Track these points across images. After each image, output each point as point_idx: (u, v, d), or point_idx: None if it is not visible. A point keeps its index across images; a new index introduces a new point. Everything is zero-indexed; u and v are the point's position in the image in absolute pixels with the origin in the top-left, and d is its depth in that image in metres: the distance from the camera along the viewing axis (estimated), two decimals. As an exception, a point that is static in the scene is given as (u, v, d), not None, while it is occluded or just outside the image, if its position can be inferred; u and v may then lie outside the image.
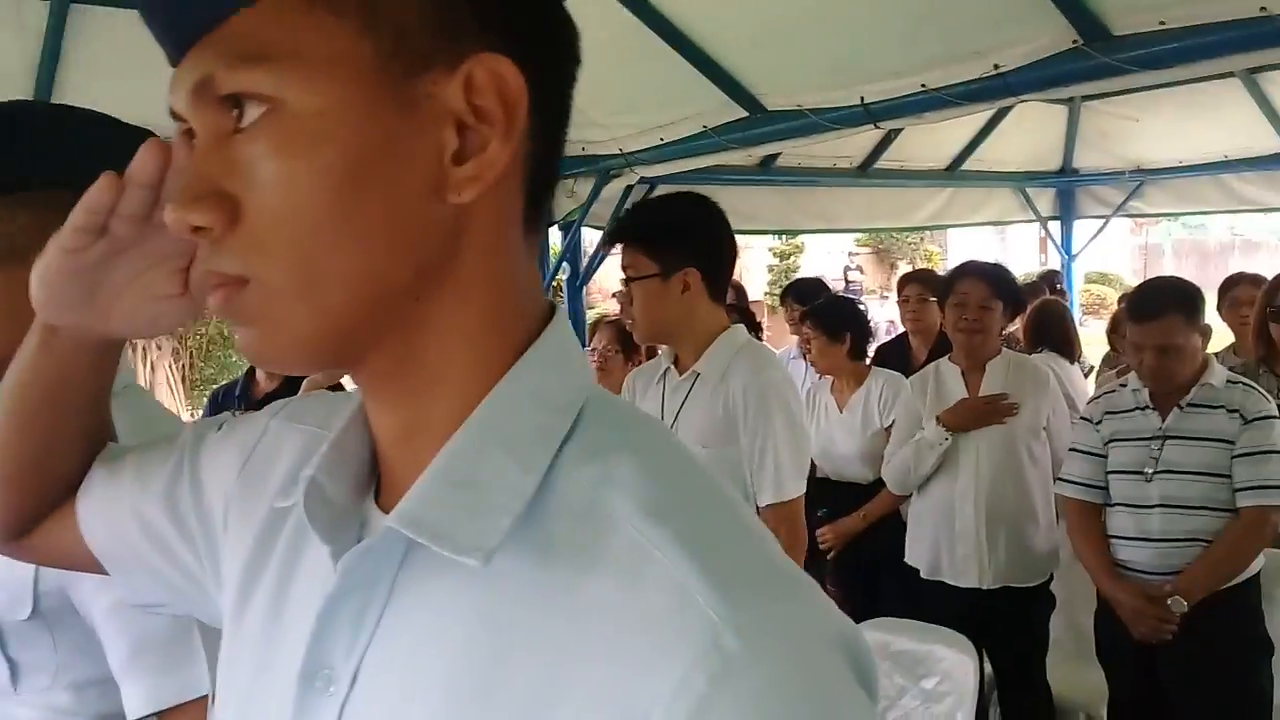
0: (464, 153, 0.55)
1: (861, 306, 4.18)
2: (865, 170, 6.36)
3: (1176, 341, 2.66)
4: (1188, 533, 2.65)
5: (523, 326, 0.59)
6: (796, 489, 2.16)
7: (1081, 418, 2.95)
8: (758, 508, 2.16)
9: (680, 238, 2.18)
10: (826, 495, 3.70)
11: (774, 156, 5.85)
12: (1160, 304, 2.71)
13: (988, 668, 3.24)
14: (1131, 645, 2.71)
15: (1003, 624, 3.12)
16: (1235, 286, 4.17)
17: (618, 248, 2.29)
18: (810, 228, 7.30)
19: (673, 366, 2.31)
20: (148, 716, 1.06)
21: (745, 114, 3.97)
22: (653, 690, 0.48)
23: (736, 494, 0.59)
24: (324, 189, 0.53)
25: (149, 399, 1.27)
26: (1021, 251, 21.69)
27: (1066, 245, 7.67)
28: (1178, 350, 2.67)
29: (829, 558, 3.63)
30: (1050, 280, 7.01)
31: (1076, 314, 8.38)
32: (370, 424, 0.63)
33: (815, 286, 5.21)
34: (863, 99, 3.49)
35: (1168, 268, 23.00)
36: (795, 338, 4.81)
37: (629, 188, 4.95)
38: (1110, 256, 22.59)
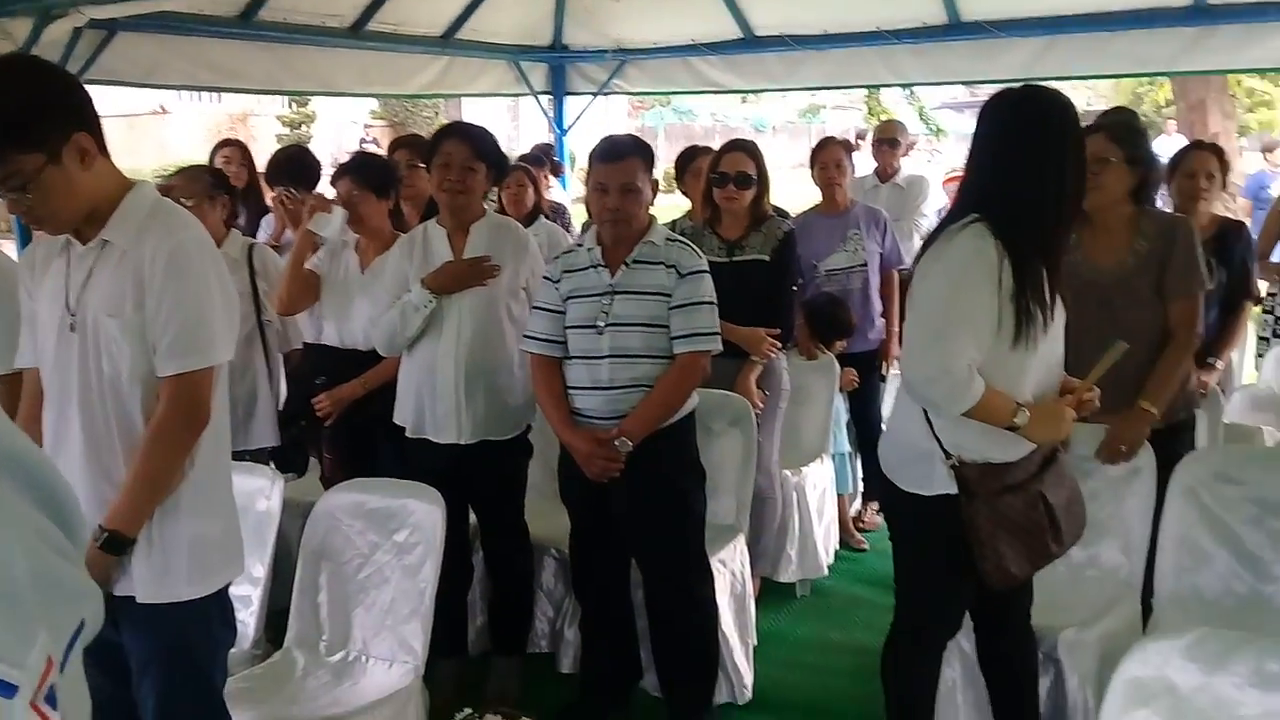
0: None
1: None
2: (358, 32, 6.14)
3: (637, 183, 2.92)
4: (632, 380, 2.91)
5: None
6: (202, 360, 2.04)
7: (544, 277, 3.10)
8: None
9: (43, 109, 1.88)
10: (326, 362, 3.62)
11: (256, 8, 5.44)
12: (625, 148, 2.97)
13: (473, 517, 3.42)
14: (586, 484, 2.96)
15: (483, 475, 3.26)
16: (693, 159, 4.57)
17: None
18: (300, 89, 6.93)
19: (73, 237, 2.05)
20: None
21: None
22: None
23: None
24: None
25: None
26: (532, 128, 22.35)
27: (559, 120, 8.00)
28: (637, 193, 2.92)
29: (326, 425, 3.57)
30: (544, 152, 7.31)
31: (573, 187, 8.85)
32: None
33: (302, 158, 4.89)
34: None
35: (662, 149, 24.94)
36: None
37: (78, 30, 4.35)
38: (611, 136, 23.95)
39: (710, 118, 27.23)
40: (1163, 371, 3.00)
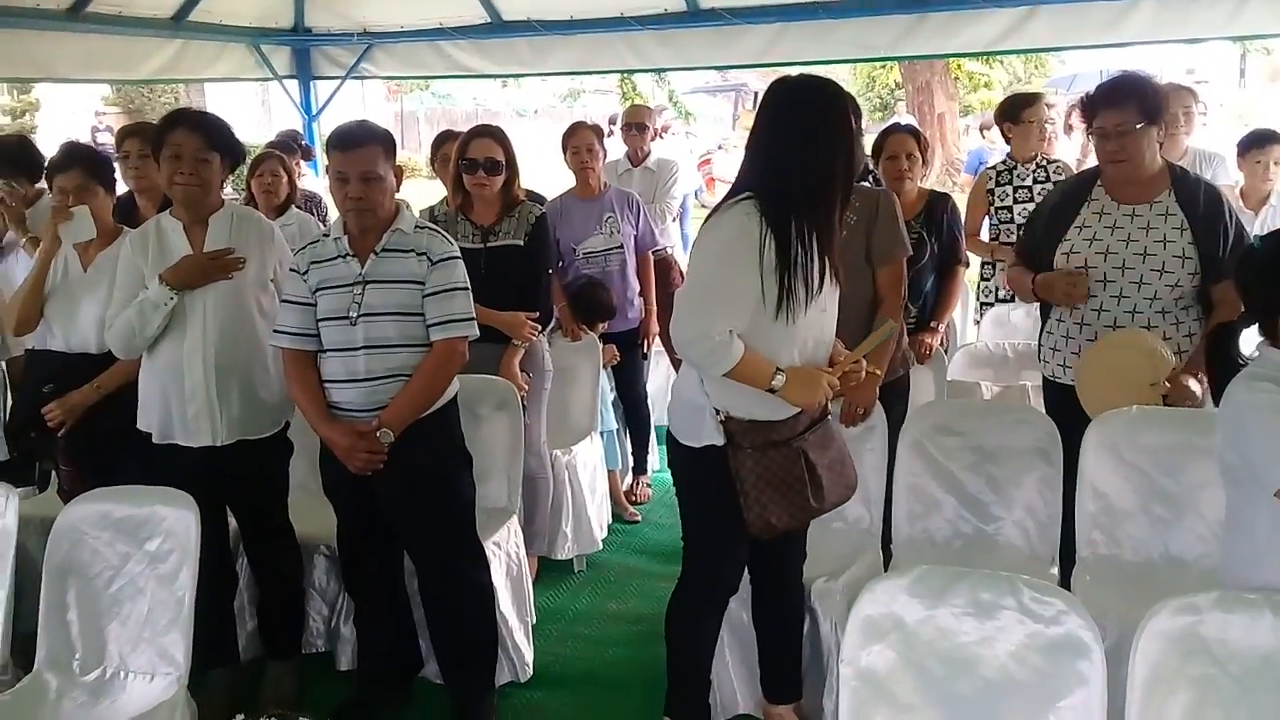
0: None
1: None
2: (79, 14, 5.72)
3: (378, 170, 2.86)
4: (390, 370, 2.87)
5: None
6: None
7: (290, 269, 3.02)
8: None
9: None
10: (53, 368, 3.37)
11: (-44, -10, 5.00)
12: (361, 135, 2.88)
13: (233, 522, 3.31)
14: (350, 478, 2.92)
15: (241, 476, 3.15)
16: (442, 145, 4.55)
17: None
18: (15, 75, 6.40)
19: None
20: None
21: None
22: None
23: None
24: None
25: None
26: (284, 114, 21.43)
27: (306, 105, 7.76)
28: (379, 180, 2.86)
29: (60, 435, 3.34)
30: (293, 139, 7.05)
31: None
32: None
33: (23, 148, 4.51)
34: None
35: (423, 133, 24.49)
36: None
37: None
38: (367, 121, 23.23)
39: (472, 102, 26.96)
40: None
